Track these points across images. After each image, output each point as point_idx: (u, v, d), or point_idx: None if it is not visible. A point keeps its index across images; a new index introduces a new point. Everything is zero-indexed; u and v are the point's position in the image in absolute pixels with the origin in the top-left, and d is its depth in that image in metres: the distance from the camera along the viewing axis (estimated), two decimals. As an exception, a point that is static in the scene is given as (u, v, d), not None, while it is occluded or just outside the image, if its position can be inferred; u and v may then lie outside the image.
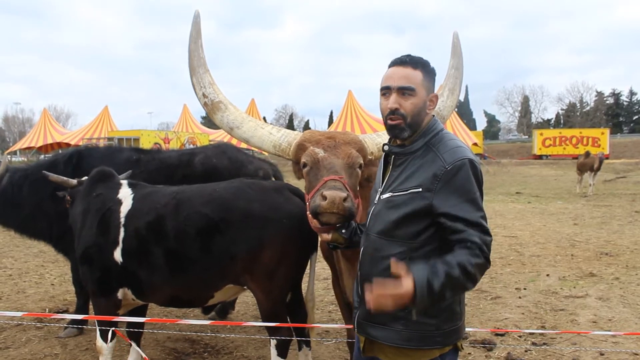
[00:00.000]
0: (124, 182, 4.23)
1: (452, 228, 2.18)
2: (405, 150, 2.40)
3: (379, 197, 2.43)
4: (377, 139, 3.26)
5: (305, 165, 2.89)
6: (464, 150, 2.28)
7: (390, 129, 2.41)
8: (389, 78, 2.38)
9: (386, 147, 2.48)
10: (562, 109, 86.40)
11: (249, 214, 3.74)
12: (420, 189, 2.25)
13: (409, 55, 2.41)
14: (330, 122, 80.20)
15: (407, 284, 2.06)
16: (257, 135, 3.22)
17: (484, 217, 2.22)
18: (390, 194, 2.36)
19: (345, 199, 2.51)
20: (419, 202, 2.24)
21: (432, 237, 2.27)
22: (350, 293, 3.58)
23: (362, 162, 2.91)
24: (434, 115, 2.47)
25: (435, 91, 2.49)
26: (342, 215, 2.54)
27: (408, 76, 2.34)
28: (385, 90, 2.39)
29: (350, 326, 3.65)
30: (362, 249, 2.51)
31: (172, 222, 3.78)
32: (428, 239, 2.28)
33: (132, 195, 4.05)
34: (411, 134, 2.38)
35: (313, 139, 2.99)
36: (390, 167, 2.47)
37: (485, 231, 2.19)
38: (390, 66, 2.43)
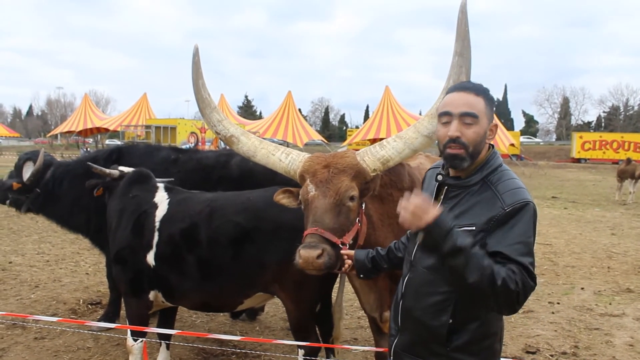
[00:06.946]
0: (161, 186, 4.27)
1: (502, 262, 2.07)
2: (460, 184, 2.28)
3: None
4: (380, 151, 3.01)
5: (301, 202, 2.92)
6: (524, 192, 2.18)
7: (449, 158, 2.27)
8: (450, 104, 2.25)
9: (440, 177, 2.37)
10: (604, 112, 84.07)
11: (280, 224, 3.74)
12: (474, 228, 2.15)
13: (470, 82, 2.32)
14: (366, 117, 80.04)
15: (432, 212, 2.01)
16: (270, 162, 3.26)
17: (533, 264, 2.10)
18: None
19: (319, 256, 2.50)
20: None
21: None
22: (370, 309, 3.56)
23: (355, 193, 2.79)
24: (492, 147, 2.35)
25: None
26: (320, 270, 2.55)
27: (471, 102, 2.22)
28: (445, 117, 2.26)
29: (382, 348, 3.62)
30: (406, 279, 2.43)
31: (206, 229, 3.81)
32: None
33: (168, 199, 4.09)
34: (471, 164, 2.25)
35: (311, 169, 2.90)
36: (442, 197, 2.36)
37: (532, 278, 2.07)
38: (449, 92, 2.32)
